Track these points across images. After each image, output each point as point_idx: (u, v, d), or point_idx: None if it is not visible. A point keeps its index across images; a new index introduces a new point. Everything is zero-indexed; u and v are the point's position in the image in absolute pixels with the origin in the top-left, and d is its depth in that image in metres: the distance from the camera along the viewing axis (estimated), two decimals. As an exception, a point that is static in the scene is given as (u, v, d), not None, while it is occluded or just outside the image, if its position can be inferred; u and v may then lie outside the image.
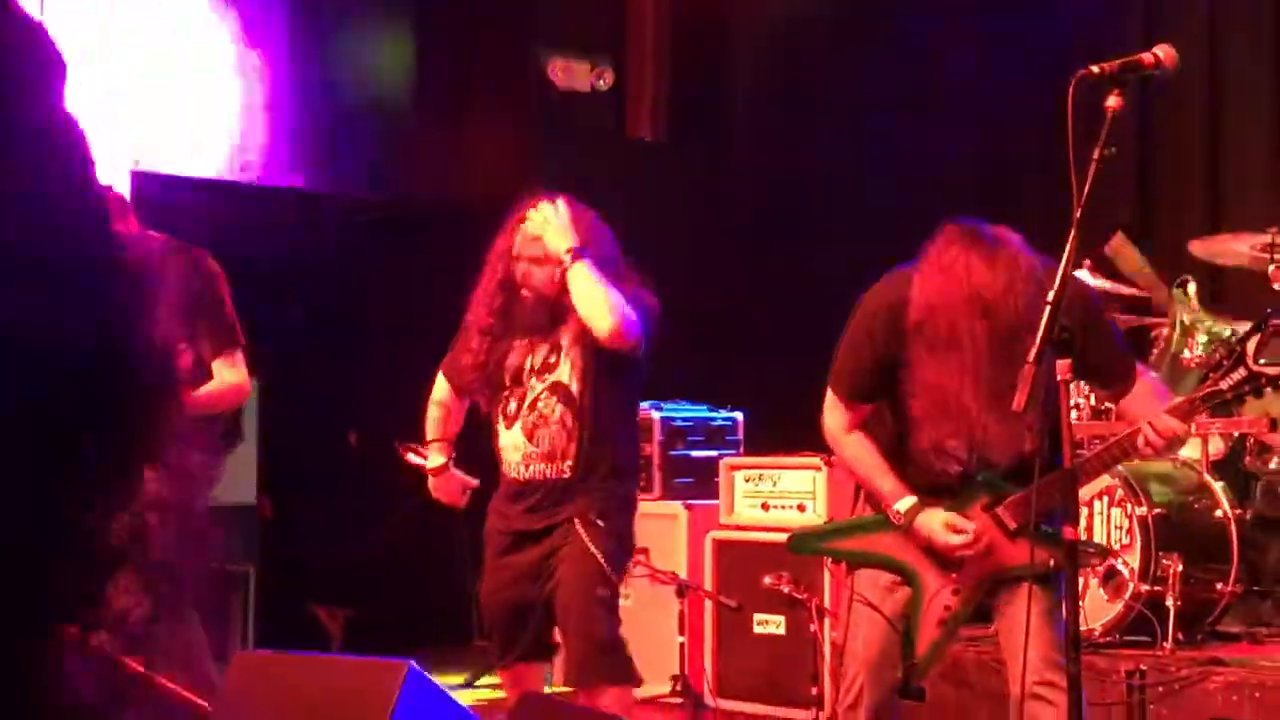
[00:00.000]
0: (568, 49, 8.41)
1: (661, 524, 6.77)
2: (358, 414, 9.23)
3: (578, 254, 4.40)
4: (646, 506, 6.87)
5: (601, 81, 8.33)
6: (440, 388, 4.88)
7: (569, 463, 4.50)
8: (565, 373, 4.52)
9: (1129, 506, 5.52)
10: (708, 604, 6.52)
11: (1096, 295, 3.80)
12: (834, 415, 3.84)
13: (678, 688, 6.46)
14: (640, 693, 6.60)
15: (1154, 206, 6.94)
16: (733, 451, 6.96)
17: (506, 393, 4.59)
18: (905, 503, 3.71)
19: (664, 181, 8.69)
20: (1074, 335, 3.13)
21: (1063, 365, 3.02)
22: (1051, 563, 3.60)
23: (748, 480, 6.58)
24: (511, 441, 4.56)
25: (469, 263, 8.63)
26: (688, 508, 6.75)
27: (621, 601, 6.81)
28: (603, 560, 4.47)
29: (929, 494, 3.74)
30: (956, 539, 3.66)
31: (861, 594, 3.76)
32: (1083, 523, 5.58)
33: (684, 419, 7.09)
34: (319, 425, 9.28)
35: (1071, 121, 2.94)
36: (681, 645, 6.49)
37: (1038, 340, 3.07)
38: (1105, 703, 5.23)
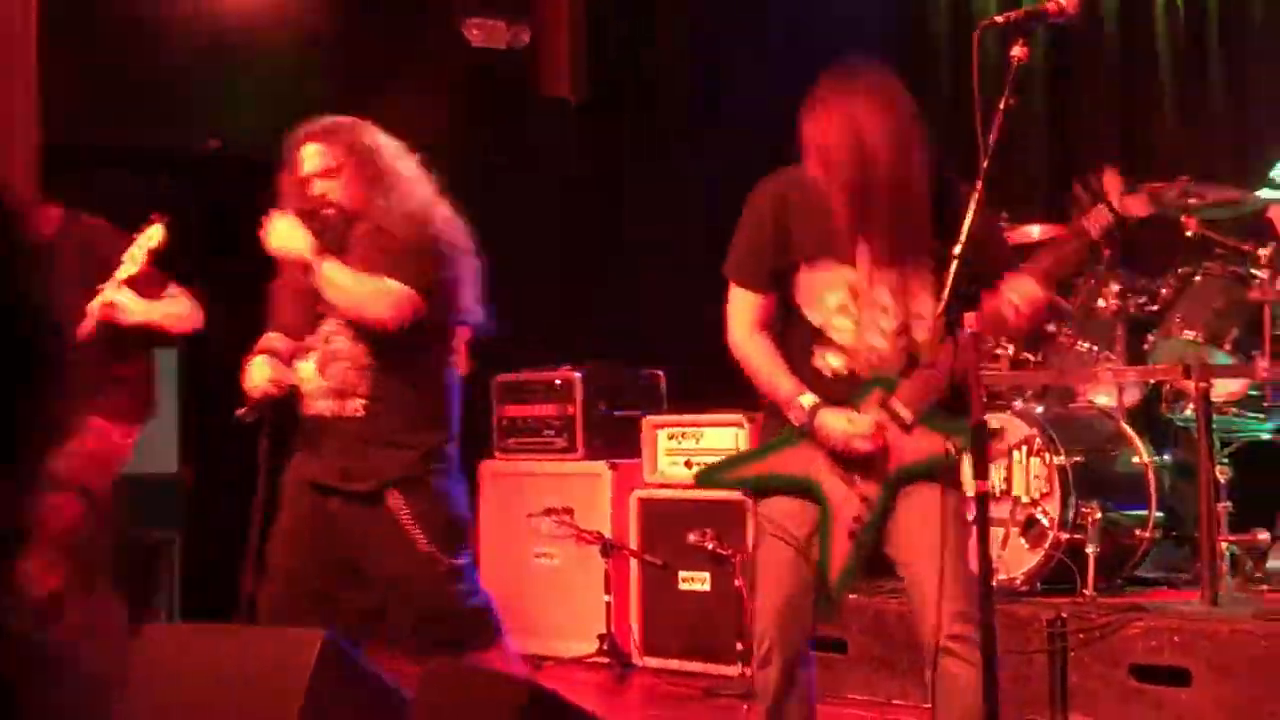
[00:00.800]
0: (484, 7, 8.32)
1: (585, 483, 6.77)
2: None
3: (320, 251, 4.21)
4: (570, 466, 6.89)
5: (519, 39, 8.25)
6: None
7: (360, 401, 4.28)
8: None
9: (1047, 456, 5.55)
10: (633, 563, 6.52)
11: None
12: (737, 315, 3.71)
13: (604, 647, 6.47)
14: (566, 653, 6.63)
15: (1072, 158, 6.94)
16: (656, 410, 6.95)
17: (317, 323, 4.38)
18: (807, 399, 3.58)
19: (581, 141, 8.63)
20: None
21: (971, 318, 3.00)
22: (950, 450, 3.53)
23: (671, 438, 6.58)
24: (304, 374, 4.35)
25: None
26: (611, 467, 6.74)
27: (548, 561, 6.89)
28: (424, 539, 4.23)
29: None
30: (856, 429, 3.55)
31: (774, 523, 3.65)
32: (1002, 472, 5.65)
33: (605, 378, 7.07)
34: (239, 391, 9.18)
35: (976, 71, 2.93)
36: (608, 604, 6.52)
37: (944, 294, 3.06)
38: (1027, 651, 5.27)
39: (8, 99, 6.18)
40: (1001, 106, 3.06)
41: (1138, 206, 3.32)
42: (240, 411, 4.26)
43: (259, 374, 4.26)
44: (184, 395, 9.64)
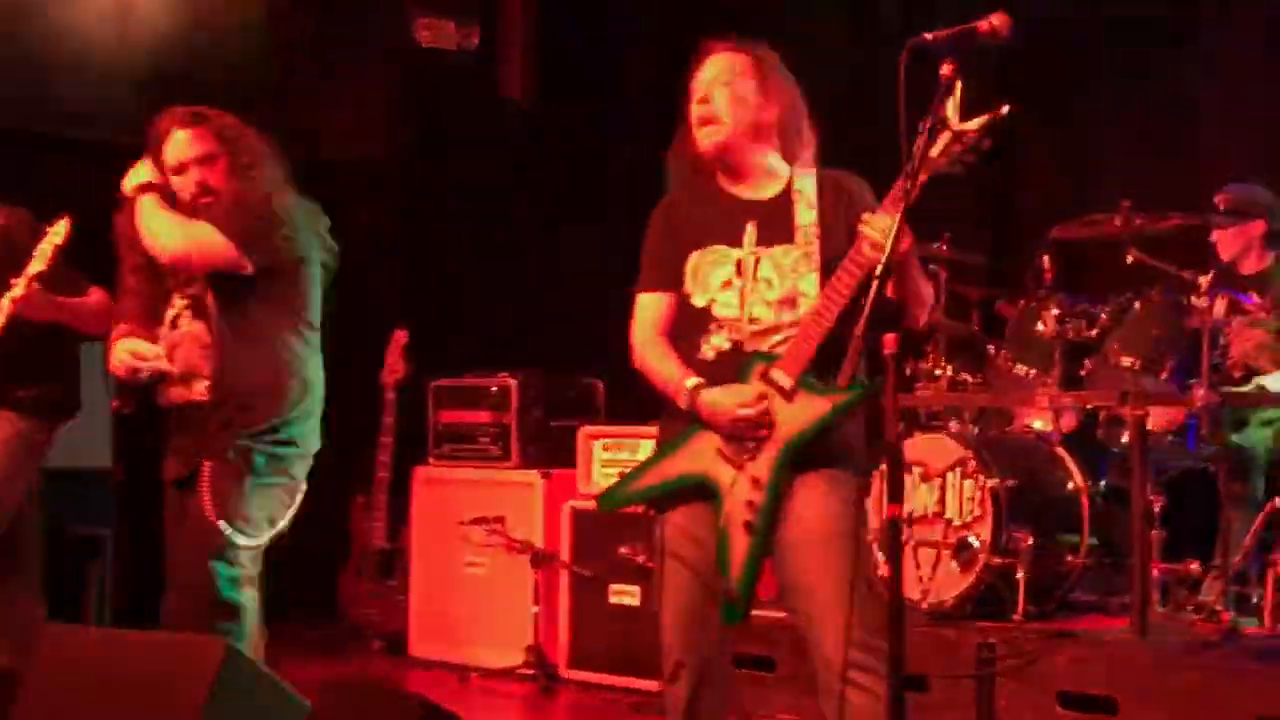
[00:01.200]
0: (434, 6, 8.25)
1: (518, 492, 6.70)
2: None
3: (144, 189, 4.23)
4: (502, 474, 6.82)
5: (468, 40, 8.19)
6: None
7: (204, 383, 4.22)
8: (196, 286, 4.28)
9: (981, 479, 5.52)
10: (563, 574, 6.45)
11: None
12: (638, 321, 3.72)
13: (531, 659, 6.40)
14: (493, 664, 6.55)
15: (1018, 183, 6.92)
16: (593, 420, 6.89)
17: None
18: (691, 380, 3.57)
19: (535, 145, 8.57)
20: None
21: (890, 339, 2.95)
22: (829, 406, 3.49)
23: (606, 449, 6.51)
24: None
25: (330, 226, 8.50)
26: (544, 476, 6.67)
27: (477, 570, 6.81)
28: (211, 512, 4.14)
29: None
30: (740, 399, 3.51)
31: (668, 543, 3.60)
32: (935, 494, 5.61)
33: (541, 386, 7.00)
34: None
35: (902, 89, 2.88)
36: (536, 615, 6.44)
37: (864, 313, 3.01)
38: (954, 675, 5.24)
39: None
40: (923, 128, 3.01)
41: (974, 122, 3.24)
42: (114, 404, 4.22)
43: (118, 353, 4.20)
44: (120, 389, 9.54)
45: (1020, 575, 5.41)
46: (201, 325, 4.20)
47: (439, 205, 8.47)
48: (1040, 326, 5.78)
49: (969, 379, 6.03)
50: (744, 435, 3.54)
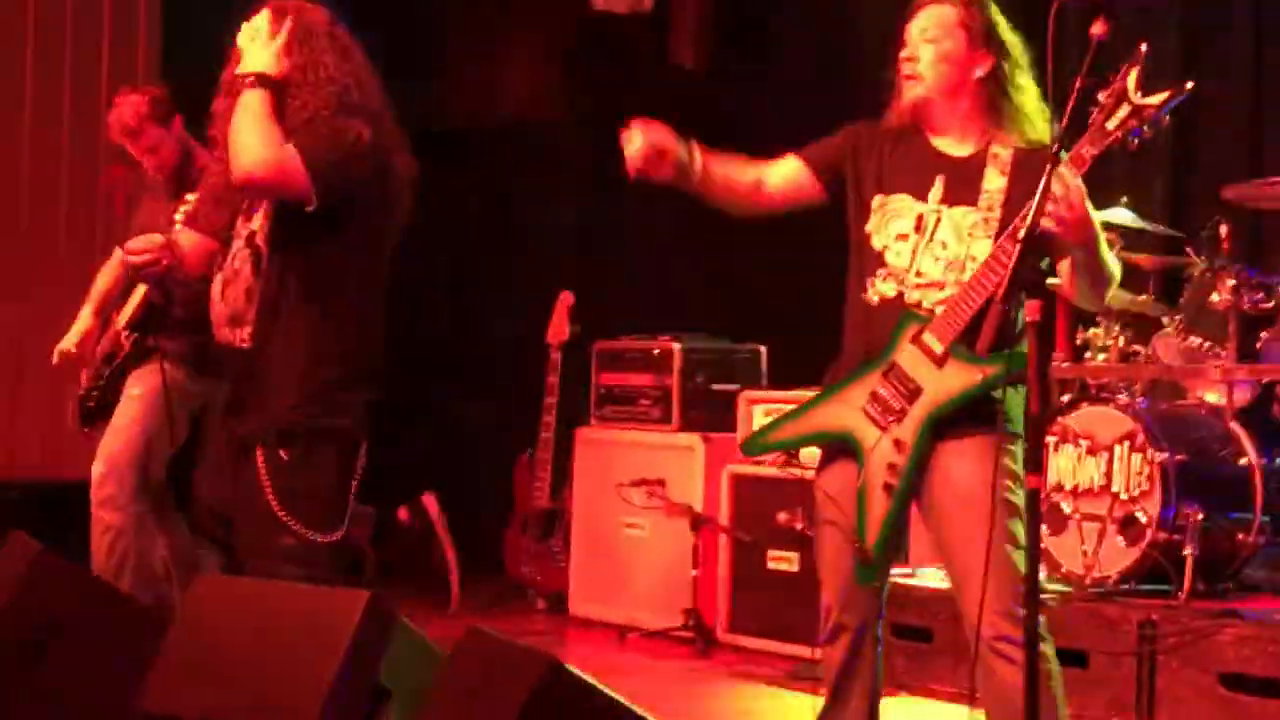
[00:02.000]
0: (608, -29, 8.25)
1: (678, 456, 6.71)
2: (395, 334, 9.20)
3: (259, 82, 3.66)
4: (663, 437, 6.83)
5: (641, 4, 8.16)
6: None
7: (248, 329, 3.77)
8: (257, 220, 3.81)
9: (1149, 452, 5.38)
10: (722, 538, 6.44)
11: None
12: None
13: (689, 622, 6.41)
14: (651, 625, 6.57)
15: (1193, 147, 6.70)
16: (755, 385, 6.86)
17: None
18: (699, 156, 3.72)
19: (706, 112, 8.53)
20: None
21: (1032, 306, 2.89)
22: (980, 377, 3.44)
23: (767, 414, 6.47)
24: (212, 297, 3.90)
25: (504, 187, 8.59)
26: (705, 440, 6.66)
27: (637, 532, 6.83)
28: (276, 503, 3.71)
29: (868, 356, 3.62)
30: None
31: (827, 496, 3.61)
32: (1101, 467, 5.49)
33: (704, 351, 7.00)
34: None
35: (1051, 49, 2.81)
36: (694, 579, 6.45)
37: (1005, 281, 2.95)
38: (1115, 652, 5.13)
39: None
40: (1077, 85, 2.93)
41: (1155, 98, 3.15)
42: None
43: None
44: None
45: (1188, 552, 5.27)
46: (250, 266, 3.77)
47: (610, 168, 8.48)
48: (1215, 297, 5.60)
49: (1140, 351, 5.87)
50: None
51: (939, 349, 3.49)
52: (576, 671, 2.70)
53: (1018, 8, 3.46)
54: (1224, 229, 5.64)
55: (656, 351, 6.98)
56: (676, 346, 6.93)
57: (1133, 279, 6.10)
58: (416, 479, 7.77)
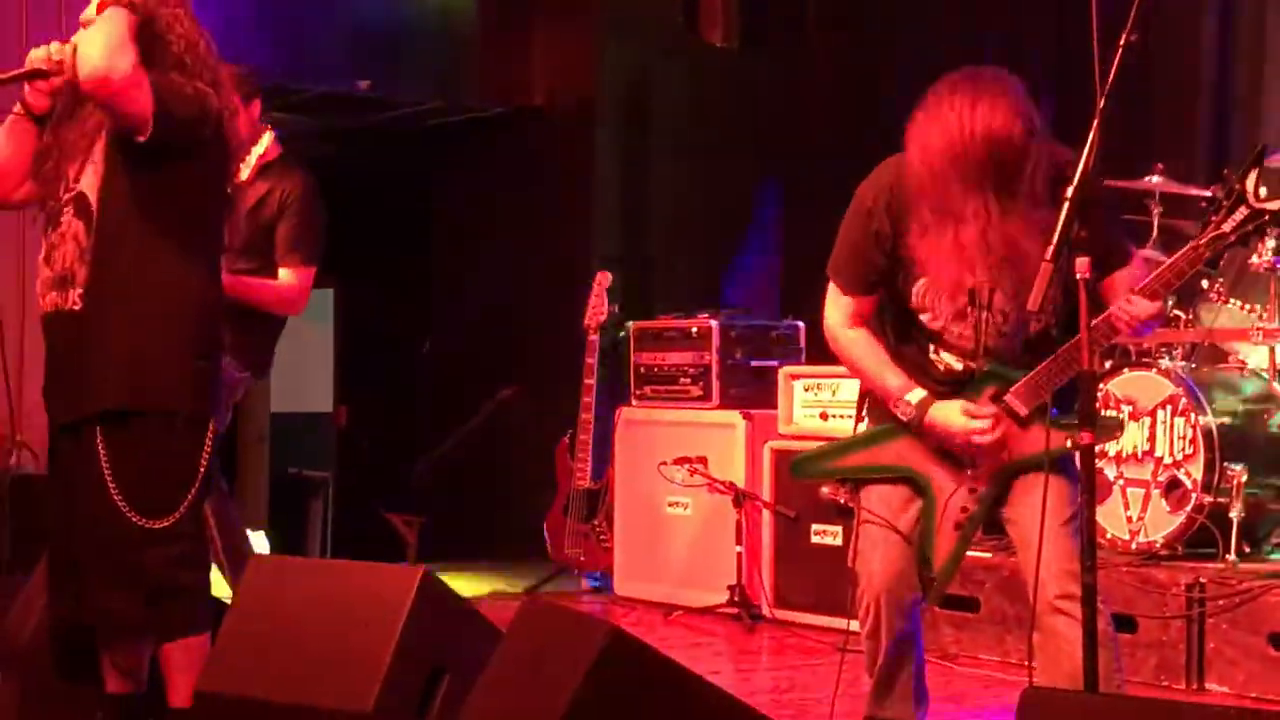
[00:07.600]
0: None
1: (720, 433, 6.71)
2: (433, 320, 9.25)
3: (124, 5, 3.46)
4: (704, 415, 6.84)
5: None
6: None
7: (78, 291, 3.53)
8: (87, 178, 3.59)
9: (1193, 415, 5.37)
10: (765, 514, 6.45)
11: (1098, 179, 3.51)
12: (835, 309, 3.65)
13: (734, 598, 6.42)
14: (697, 602, 6.59)
15: (1232, 105, 6.66)
16: (793, 361, 6.86)
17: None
18: (916, 394, 3.51)
19: (734, 88, 8.54)
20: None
21: (1082, 263, 2.88)
22: (1069, 443, 3.42)
23: (807, 390, 6.48)
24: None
25: (534, 167, 8.60)
26: (746, 417, 6.66)
27: (680, 510, 6.85)
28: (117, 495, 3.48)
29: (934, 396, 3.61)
30: (976, 424, 3.48)
31: (874, 512, 3.59)
32: (1144, 432, 5.48)
33: (742, 327, 7.00)
34: (395, 334, 9.32)
35: (1095, 4, 2.79)
36: (739, 555, 6.46)
37: (1055, 239, 2.94)
38: (1163, 616, 5.13)
39: None
40: (1122, 42, 2.91)
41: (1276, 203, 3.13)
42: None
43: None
44: (339, 335, 9.83)
45: (1234, 515, 5.26)
46: (81, 224, 3.55)
47: (644, 148, 8.51)
48: (1255, 259, 5.58)
49: (1181, 315, 5.86)
50: (974, 456, 3.54)
51: (1023, 412, 3.50)
52: (637, 638, 2.73)
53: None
54: (1264, 189, 5.59)
55: (695, 330, 6.99)
56: (714, 324, 6.93)
57: (1173, 243, 6.09)
58: (454, 467, 7.83)
